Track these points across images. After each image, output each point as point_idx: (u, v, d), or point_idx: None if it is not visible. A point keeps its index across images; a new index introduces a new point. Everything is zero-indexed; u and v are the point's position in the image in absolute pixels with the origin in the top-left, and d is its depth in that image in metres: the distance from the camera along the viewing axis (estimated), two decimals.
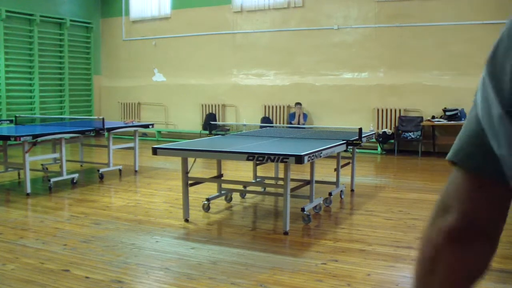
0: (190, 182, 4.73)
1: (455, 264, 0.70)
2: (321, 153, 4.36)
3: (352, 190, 6.08)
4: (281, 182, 5.43)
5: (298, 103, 9.93)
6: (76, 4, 12.01)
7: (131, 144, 7.46)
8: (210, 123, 8.45)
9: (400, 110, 9.41)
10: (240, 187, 5.49)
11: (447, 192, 0.71)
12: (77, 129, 6.46)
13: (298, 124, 9.60)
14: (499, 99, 0.61)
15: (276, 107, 10.55)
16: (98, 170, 6.80)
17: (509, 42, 0.61)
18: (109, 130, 6.95)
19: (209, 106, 11.22)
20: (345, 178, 6.18)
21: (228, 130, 10.51)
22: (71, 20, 11.66)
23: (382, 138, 9.31)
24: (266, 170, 6.52)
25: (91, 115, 12.06)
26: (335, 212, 5.15)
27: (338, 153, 5.49)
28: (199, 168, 4.99)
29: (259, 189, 5.72)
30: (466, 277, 0.72)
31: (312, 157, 4.16)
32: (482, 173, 0.66)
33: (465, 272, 0.71)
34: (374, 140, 9.12)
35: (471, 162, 0.67)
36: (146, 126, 8.04)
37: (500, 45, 0.62)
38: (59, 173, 6.29)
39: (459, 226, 0.68)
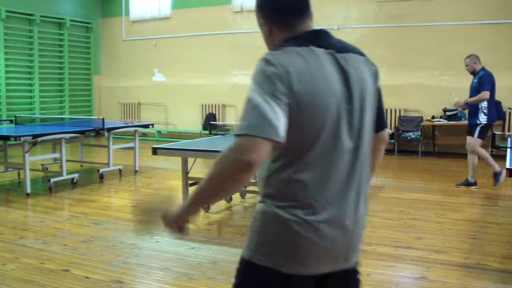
0: (190, 182, 4.73)
1: (244, 179, 1.27)
2: None
3: None
4: None
5: None
6: (76, 4, 12.01)
7: (131, 144, 7.45)
8: (210, 123, 8.44)
9: (400, 110, 9.41)
10: None
11: (242, 143, 1.24)
12: (77, 129, 6.46)
13: None
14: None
15: None
16: (98, 170, 6.80)
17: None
18: (109, 130, 6.94)
19: (209, 106, 11.22)
20: None
21: (228, 130, 10.51)
22: (71, 20, 11.65)
23: None
24: None
25: (91, 115, 12.05)
26: None
27: None
28: (199, 168, 5.00)
29: None
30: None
31: None
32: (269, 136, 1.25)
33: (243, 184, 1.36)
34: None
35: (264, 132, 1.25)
36: (146, 126, 8.04)
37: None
38: (59, 173, 6.29)
39: (254, 162, 1.22)
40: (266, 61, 1.33)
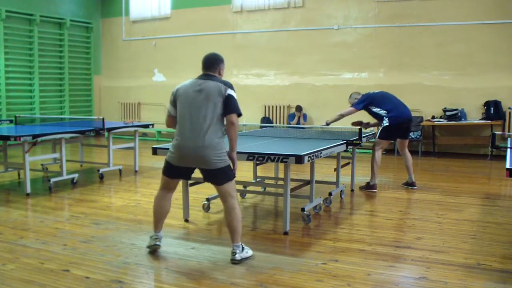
0: (190, 182, 4.72)
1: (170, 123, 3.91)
2: (321, 153, 4.36)
3: (352, 190, 6.07)
4: (281, 182, 5.42)
5: (298, 107, 9.92)
6: (76, 4, 12.01)
7: (131, 144, 7.46)
8: None
9: None
10: (240, 187, 5.49)
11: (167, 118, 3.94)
12: (77, 129, 6.46)
13: (298, 124, 9.60)
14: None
15: (276, 107, 10.55)
16: (98, 170, 6.80)
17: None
18: (109, 130, 6.94)
19: None
20: (345, 178, 6.18)
21: None
22: (71, 20, 11.66)
23: None
24: (266, 170, 6.52)
25: (91, 115, 12.06)
26: (335, 212, 5.15)
27: (338, 153, 5.49)
28: None
29: (259, 189, 5.72)
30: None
31: (312, 157, 4.16)
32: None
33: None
34: (374, 140, 9.10)
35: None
36: (146, 126, 8.03)
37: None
38: (59, 173, 6.29)
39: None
40: None
